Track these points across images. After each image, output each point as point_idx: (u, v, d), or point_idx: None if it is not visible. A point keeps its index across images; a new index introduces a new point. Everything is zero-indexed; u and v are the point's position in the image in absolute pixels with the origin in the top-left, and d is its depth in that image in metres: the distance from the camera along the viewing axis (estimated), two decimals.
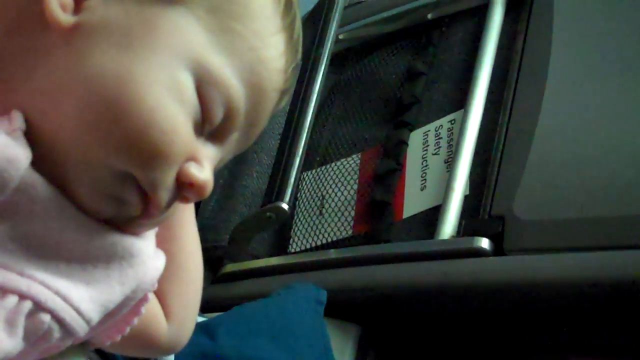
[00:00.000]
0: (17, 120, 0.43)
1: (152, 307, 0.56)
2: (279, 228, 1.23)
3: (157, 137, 0.44)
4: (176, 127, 0.45)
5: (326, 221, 1.20)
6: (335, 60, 1.34)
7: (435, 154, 1.14)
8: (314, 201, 1.24)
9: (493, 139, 1.05)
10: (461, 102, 1.14)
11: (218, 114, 0.47)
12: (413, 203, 1.11)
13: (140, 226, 0.48)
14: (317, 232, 1.19)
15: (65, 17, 0.44)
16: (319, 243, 1.18)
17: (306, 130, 1.18)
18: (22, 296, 0.43)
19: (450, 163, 1.08)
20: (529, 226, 0.92)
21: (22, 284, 0.43)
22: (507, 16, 1.20)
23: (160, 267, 0.52)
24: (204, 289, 0.63)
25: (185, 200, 0.48)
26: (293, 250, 1.20)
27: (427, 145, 1.16)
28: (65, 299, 0.45)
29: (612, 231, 0.86)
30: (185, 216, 0.60)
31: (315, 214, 1.22)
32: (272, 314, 0.92)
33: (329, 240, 1.17)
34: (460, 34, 1.27)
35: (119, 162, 0.44)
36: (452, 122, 1.15)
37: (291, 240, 1.22)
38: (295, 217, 1.24)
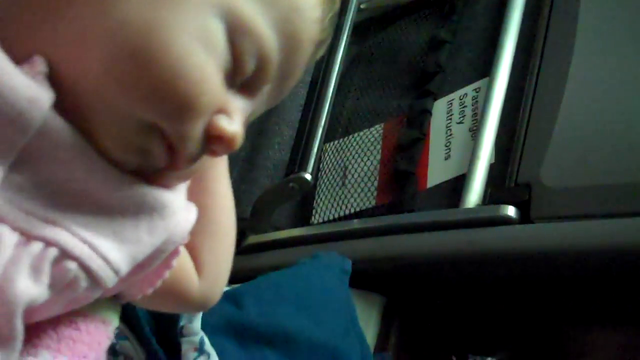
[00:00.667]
0: (40, 64, 0.41)
1: (184, 261, 0.55)
2: (301, 200, 1.22)
3: (185, 87, 0.42)
4: (205, 77, 0.43)
5: (349, 192, 1.19)
6: (357, 30, 1.33)
7: (460, 122, 1.12)
8: (336, 172, 1.23)
9: (519, 106, 1.03)
10: (486, 70, 1.12)
11: (250, 65, 0.45)
12: (437, 172, 1.10)
13: (168, 178, 0.46)
14: (340, 203, 1.18)
15: None
16: (342, 214, 1.17)
17: (328, 100, 1.17)
18: (48, 243, 0.42)
19: (475, 131, 1.06)
20: (556, 193, 0.91)
21: (47, 230, 0.42)
22: None
23: (191, 219, 0.50)
24: None
25: (213, 153, 0.46)
26: (316, 222, 1.20)
27: (452, 114, 1.14)
28: (92, 247, 0.43)
29: None
30: (219, 170, 0.59)
31: (338, 184, 1.21)
32: (297, 282, 0.91)
33: (352, 211, 1.16)
34: (484, 1, 1.25)
35: (144, 113, 0.42)
36: (477, 90, 1.13)
37: (314, 212, 1.21)
38: (318, 188, 1.23)
